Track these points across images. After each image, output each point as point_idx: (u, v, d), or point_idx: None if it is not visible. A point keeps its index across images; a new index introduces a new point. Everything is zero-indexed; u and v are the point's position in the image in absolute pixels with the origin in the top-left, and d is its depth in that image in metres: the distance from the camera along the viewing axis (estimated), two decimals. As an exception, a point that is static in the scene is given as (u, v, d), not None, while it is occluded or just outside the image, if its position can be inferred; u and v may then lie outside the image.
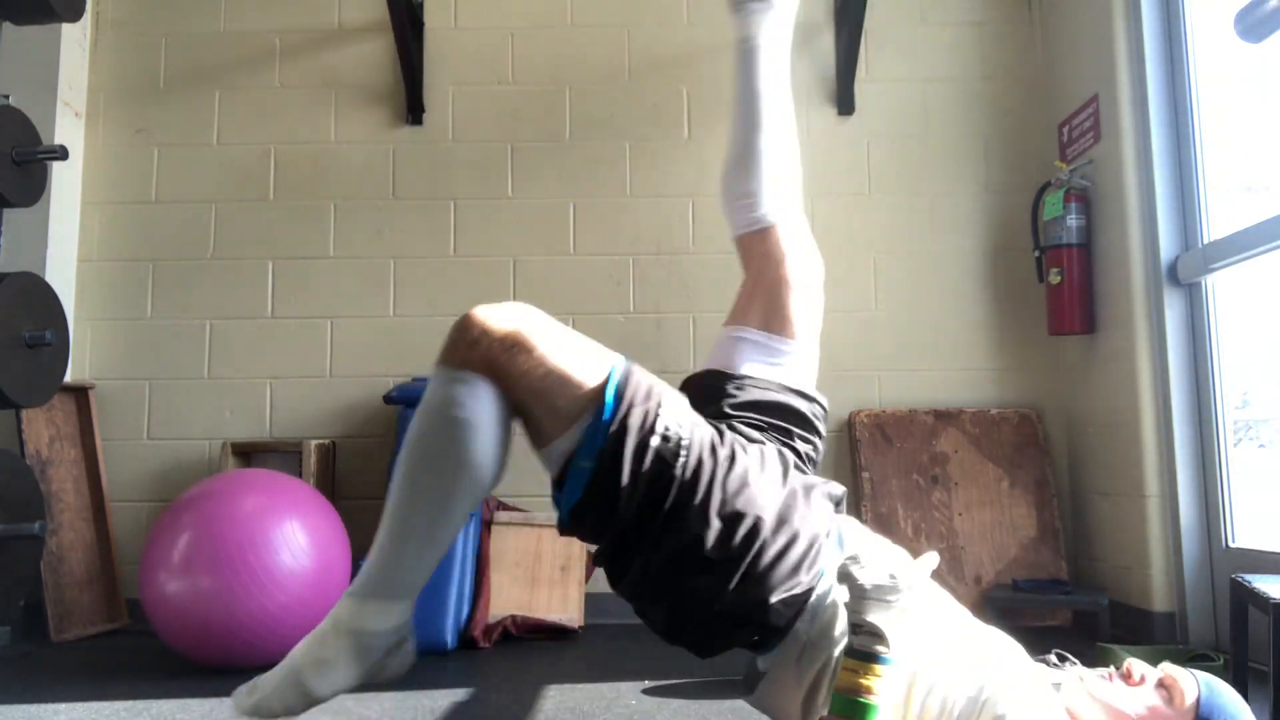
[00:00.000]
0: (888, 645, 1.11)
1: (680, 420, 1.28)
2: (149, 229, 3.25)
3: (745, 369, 1.51)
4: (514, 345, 1.24)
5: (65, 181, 3.15)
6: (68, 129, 3.15)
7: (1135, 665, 1.29)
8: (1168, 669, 1.27)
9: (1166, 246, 2.70)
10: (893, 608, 1.13)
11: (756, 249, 1.61)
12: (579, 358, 1.29)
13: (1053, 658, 1.34)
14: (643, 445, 1.23)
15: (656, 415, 1.25)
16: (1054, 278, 3.00)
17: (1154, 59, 2.77)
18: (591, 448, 1.23)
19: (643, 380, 1.29)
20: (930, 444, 3.12)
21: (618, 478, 1.21)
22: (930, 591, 1.29)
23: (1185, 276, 2.67)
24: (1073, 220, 2.97)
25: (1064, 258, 2.98)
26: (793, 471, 1.35)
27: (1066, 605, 2.85)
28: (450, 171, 3.28)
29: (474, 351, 1.24)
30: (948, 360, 3.22)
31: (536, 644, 2.72)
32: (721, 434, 1.32)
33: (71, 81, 3.19)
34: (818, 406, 1.54)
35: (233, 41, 3.33)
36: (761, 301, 1.56)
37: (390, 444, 3.03)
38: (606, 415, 1.23)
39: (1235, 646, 1.75)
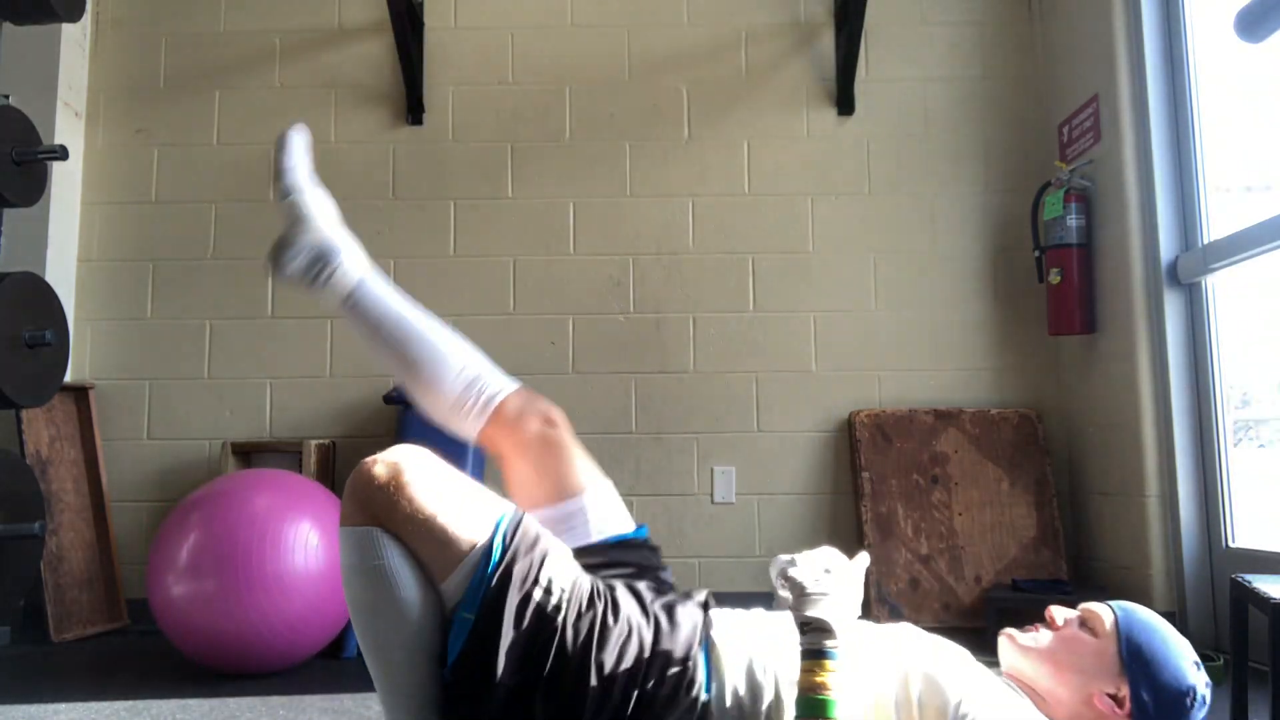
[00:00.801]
0: (834, 636, 1.13)
1: (563, 572, 1.27)
2: (149, 229, 3.25)
3: (569, 543, 1.49)
4: (395, 491, 1.24)
5: (65, 181, 3.15)
6: (68, 129, 3.15)
7: (1054, 610, 1.33)
8: (1084, 606, 1.31)
9: (1166, 246, 2.70)
10: (830, 599, 1.16)
11: (499, 435, 1.55)
12: (463, 501, 1.28)
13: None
14: (526, 598, 1.22)
15: (540, 566, 1.25)
16: (1054, 278, 3.00)
17: (1154, 59, 2.77)
18: (474, 598, 1.22)
19: (529, 530, 1.29)
20: (930, 444, 3.12)
21: (498, 630, 1.20)
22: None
23: (1185, 276, 2.67)
24: (1073, 220, 2.97)
25: (1064, 258, 2.98)
26: (650, 601, 1.33)
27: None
28: (450, 171, 3.28)
29: (364, 508, 1.27)
30: (948, 360, 3.22)
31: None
32: (597, 583, 1.31)
33: (71, 81, 3.19)
34: (643, 546, 1.51)
35: (233, 41, 3.33)
36: (535, 480, 1.51)
37: (390, 444, 3.02)
38: (492, 565, 1.23)
39: (1235, 646, 1.75)
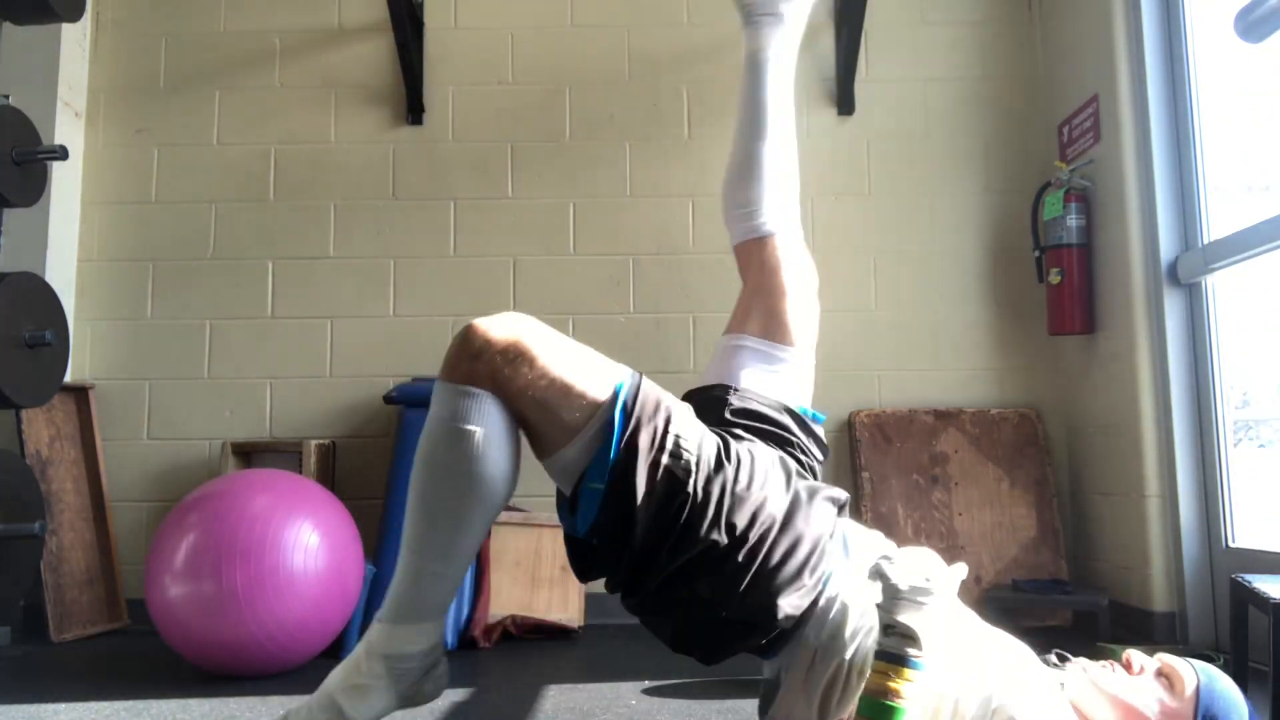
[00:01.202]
0: (921, 649, 1.09)
1: (689, 435, 1.27)
2: (149, 229, 3.25)
3: (745, 380, 1.51)
4: (516, 356, 1.23)
5: (65, 181, 3.15)
6: (68, 129, 3.15)
7: (1134, 656, 1.30)
8: (1165, 659, 1.28)
9: (1166, 246, 2.70)
10: (925, 610, 1.11)
11: (755, 257, 1.62)
12: (583, 368, 1.28)
13: (1053, 657, 1.34)
14: (654, 464, 1.22)
15: (665, 432, 1.25)
16: (1054, 278, 3.00)
17: (1154, 59, 2.77)
18: (602, 468, 1.22)
19: (650, 394, 1.29)
20: (930, 444, 3.12)
21: (631, 498, 1.21)
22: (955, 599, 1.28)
23: (1185, 276, 2.67)
24: (1073, 220, 2.97)
25: (1064, 258, 2.98)
26: (795, 477, 1.35)
27: (1066, 605, 2.85)
28: (450, 171, 3.28)
29: (476, 364, 1.25)
30: (948, 360, 3.22)
31: (536, 644, 2.72)
32: (727, 444, 1.31)
33: (71, 81, 3.19)
34: (815, 423, 1.53)
35: (233, 41, 3.33)
36: (760, 309, 1.57)
37: (390, 444, 3.03)
38: (616, 434, 1.23)
39: (1235, 646, 1.75)
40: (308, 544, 2.24)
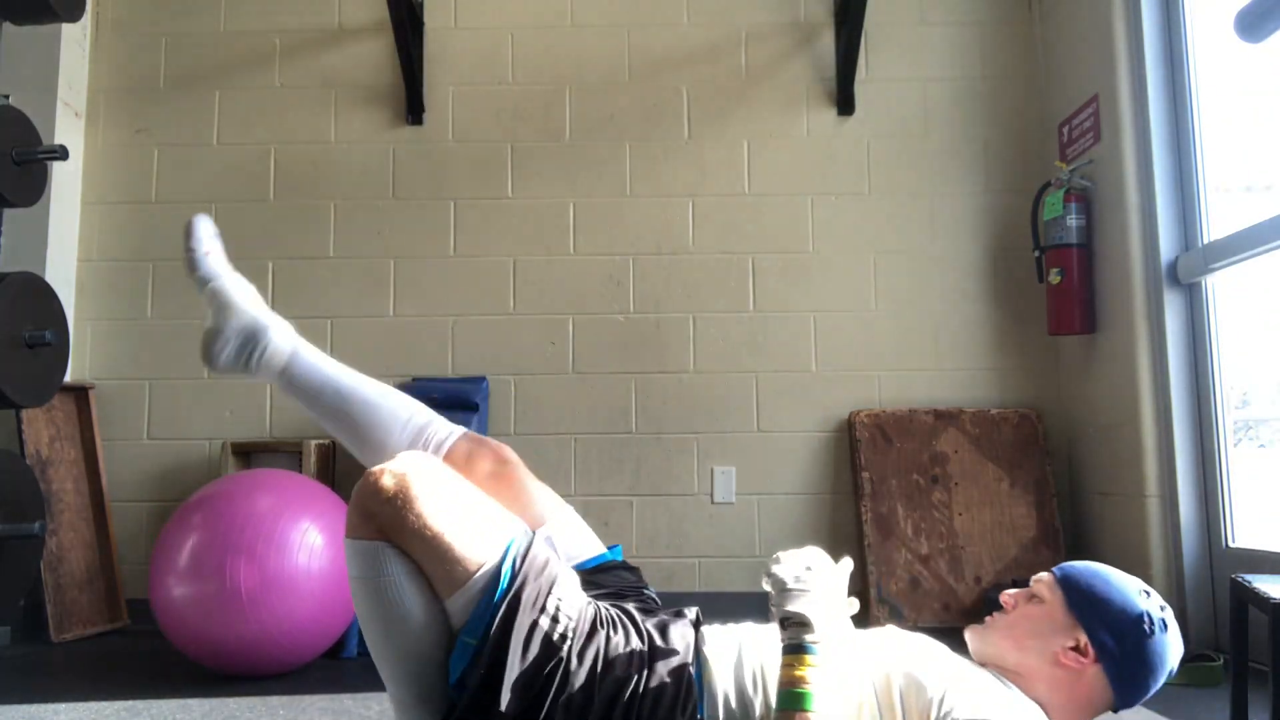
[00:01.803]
0: (814, 631, 1.14)
1: (571, 600, 1.28)
2: (149, 229, 3.25)
3: (575, 550, 1.49)
4: (402, 506, 1.23)
5: (65, 181, 3.15)
6: (68, 129, 3.15)
7: (1005, 594, 1.34)
8: (1032, 579, 1.33)
9: (1166, 246, 2.70)
10: (809, 596, 1.16)
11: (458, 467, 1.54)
12: (471, 521, 1.28)
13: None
14: (533, 626, 1.22)
15: (548, 594, 1.25)
16: (1054, 278, 3.00)
17: (1154, 59, 2.77)
18: (479, 623, 1.22)
19: (539, 554, 1.29)
20: (930, 444, 3.12)
21: (503, 656, 1.20)
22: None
23: (1185, 276, 2.67)
24: (1073, 220, 2.97)
25: (1064, 258, 2.98)
26: (643, 623, 1.33)
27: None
28: (450, 171, 3.28)
29: (370, 521, 1.26)
30: (948, 360, 3.22)
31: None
32: (599, 610, 1.31)
33: (71, 81, 3.19)
34: (620, 567, 1.52)
35: (233, 41, 3.33)
36: (520, 511, 1.52)
37: (390, 444, 3.02)
38: (501, 589, 1.23)
39: (1235, 646, 1.75)
40: (312, 545, 2.24)
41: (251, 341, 1.58)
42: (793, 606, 1.16)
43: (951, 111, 3.31)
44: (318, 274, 3.24)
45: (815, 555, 1.23)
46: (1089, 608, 1.25)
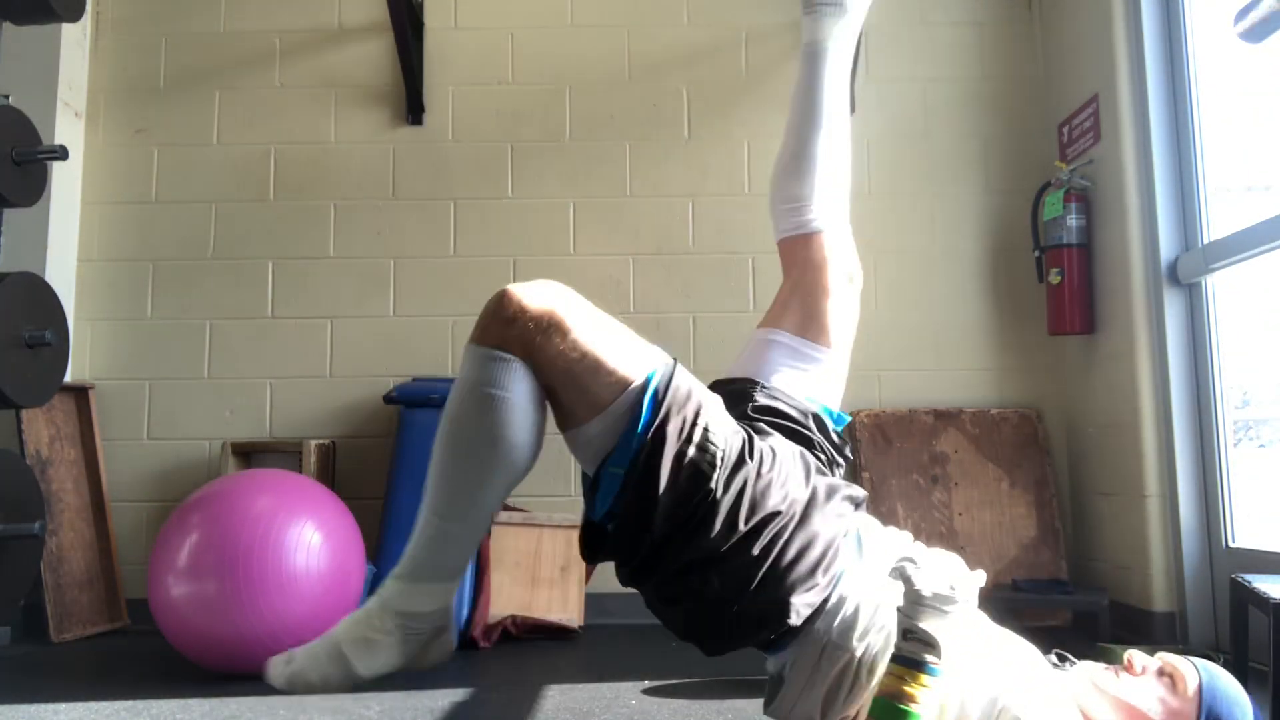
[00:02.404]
0: (939, 656, 1.09)
1: (717, 428, 1.27)
2: (149, 229, 3.25)
3: (775, 377, 1.49)
4: (549, 325, 1.22)
5: (65, 181, 3.15)
6: (68, 129, 3.15)
7: (1136, 656, 1.29)
8: (1166, 658, 1.28)
9: (1166, 246, 2.70)
10: (948, 618, 1.11)
11: (799, 254, 1.59)
12: (616, 345, 1.27)
13: (1053, 658, 1.34)
14: (680, 456, 1.22)
15: (694, 423, 1.24)
16: (1054, 278, 3.00)
17: (1154, 59, 2.77)
18: (625, 454, 1.22)
19: (682, 384, 1.28)
20: (930, 444, 3.12)
21: (654, 487, 1.20)
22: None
23: (1185, 276, 2.67)
24: (1073, 220, 2.97)
25: (1064, 258, 2.98)
26: (814, 474, 1.35)
27: (1066, 605, 2.85)
28: (450, 171, 3.28)
29: (509, 330, 1.23)
30: (948, 360, 3.22)
31: (536, 644, 2.72)
32: (751, 439, 1.31)
33: (71, 81, 3.19)
34: (837, 427, 1.53)
35: (233, 41, 3.33)
36: (799, 306, 1.55)
37: (390, 444, 3.03)
38: (644, 420, 1.22)
39: (1235, 646, 1.75)
40: (310, 544, 2.24)
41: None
42: (927, 624, 1.10)
43: (951, 111, 3.31)
44: (318, 274, 3.24)
45: (958, 569, 1.16)
46: None
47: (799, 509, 1.27)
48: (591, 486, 1.32)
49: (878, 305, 3.24)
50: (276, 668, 1.35)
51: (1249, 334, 2.68)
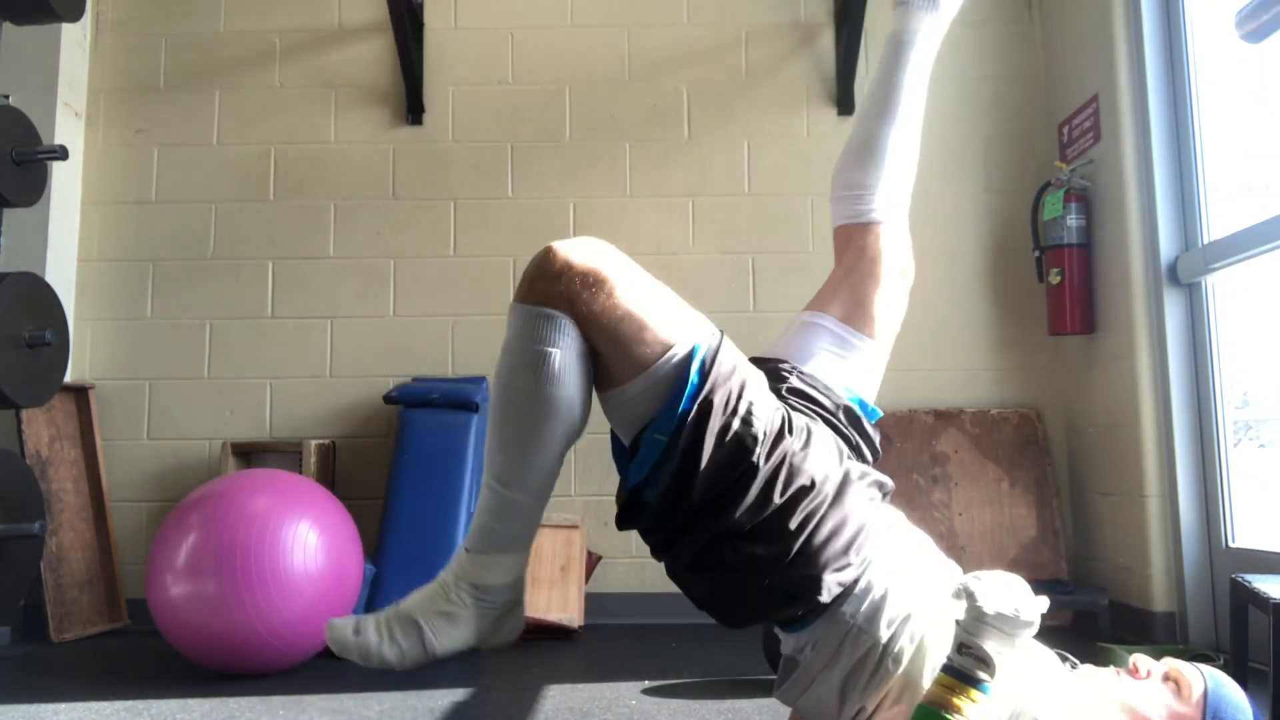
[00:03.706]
0: (992, 675, 1.08)
1: (761, 403, 1.27)
2: (149, 229, 3.25)
3: (813, 362, 1.49)
4: (595, 282, 1.21)
5: (65, 181, 3.15)
6: (68, 129, 3.15)
7: (1141, 660, 1.29)
8: (1172, 663, 1.27)
9: (1166, 246, 2.70)
10: (1010, 641, 1.10)
11: (855, 242, 1.57)
12: (660, 307, 1.26)
13: (1054, 658, 1.34)
14: (725, 428, 1.22)
15: (740, 397, 1.24)
16: (1054, 278, 3.00)
17: (1154, 59, 2.77)
18: (668, 422, 1.21)
19: (728, 357, 1.28)
20: (930, 444, 3.12)
21: (697, 457, 1.20)
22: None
23: (1185, 276, 2.67)
24: (1073, 220, 2.97)
25: (1064, 258, 2.98)
26: (846, 457, 1.35)
27: (1066, 605, 2.84)
28: (450, 171, 3.28)
29: (554, 286, 1.22)
30: (948, 360, 3.22)
31: (536, 644, 2.72)
32: (790, 415, 1.31)
33: (71, 81, 3.19)
34: (869, 419, 1.52)
35: (233, 41, 3.33)
36: (847, 293, 1.54)
37: (390, 444, 3.03)
38: (690, 389, 1.21)
39: (1235, 646, 1.75)
40: (306, 543, 2.25)
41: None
42: (986, 643, 1.09)
43: (951, 111, 3.31)
44: (318, 274, 3.24)
45: (1023, 593, 1.15)
46: None
47: (833, 487, 1.27)
48: (627, 452, 1.31)
49: (878, 305, 3.24)
50: (343, 636, 1.29)
51: (1249, 334, 2.68)
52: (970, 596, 1.12)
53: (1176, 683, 1.24)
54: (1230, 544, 2.55)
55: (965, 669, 1.08)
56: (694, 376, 1.22)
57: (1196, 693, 1.23)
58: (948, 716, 1.06)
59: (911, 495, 3.07)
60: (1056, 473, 3.13)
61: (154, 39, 3.33)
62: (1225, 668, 2.13)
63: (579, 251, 1.24)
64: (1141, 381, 2.73)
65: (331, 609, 2.31)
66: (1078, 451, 3.13)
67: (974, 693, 1.07)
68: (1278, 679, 1.57)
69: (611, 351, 1.24)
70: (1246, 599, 1.69)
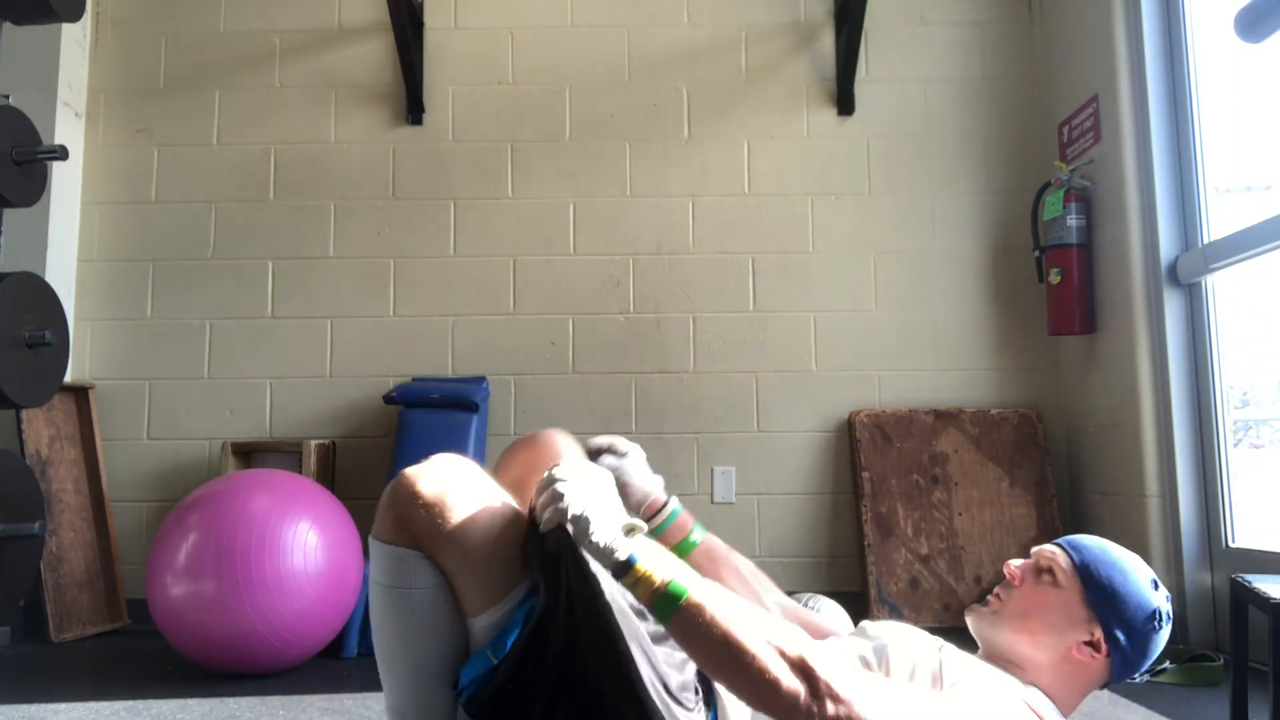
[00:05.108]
0: (622, 556, 1.07)
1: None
2: (149, 229, 3.25)
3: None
4: (440, 516, 1.19)
5: (65, 181, 3.15)
6: (68, 129, 3.15)
7: (1011, 565, 1.30)
8: (1035, 550, 1.28)
9: (1166, 246, 2.70)
10: (570, 484, 1.11)
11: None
12: (508, 537, 1.22)
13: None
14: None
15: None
16: (1054, 278, 3.00)
17: (1154, 59, 2.77)
18: (501, 646, 1.19)
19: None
20: (930, 444, 3.12)
21: (527, 678, 1.18)
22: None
23: (1185, 276, 2.67)
24: (1073, 220, 2.97)
25: (1064, 258, 2.98)
26: (658, 667, 1.32)
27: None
28: (450, 171, 3.28)
29: (403, 528, 1.20)
30: (948, 360, 3.22)
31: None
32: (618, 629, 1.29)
33: (71, 81, 3.19)
34: None
35: (233, 41, 3.33)
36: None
37: (390, 444, 3.03)
38: (526, 617, 1.19)
39: (1235, 646, 1.75)
40: (306, 543, 2.24)
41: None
42: (572, 509, 1.07)
43: (951, 111, 3.31)
44: (318, 274, 3.24)
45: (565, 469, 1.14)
46: (1109, 602, 1.20)
47: (661, 682, 1.24)
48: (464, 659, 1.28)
49: (878, 305, 3.24)
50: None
51: (1249, 334, 2.68)
52: (575, 521, 1.10)
53: (1049, 571, 1.25)
54: (1230, 544, 2.55)
55: (611, 563, 1.07)
56: (534, 598, 1.19)
57: (1066, 568, 1.23)
58: (663, 590, 1.04)
59: (911, 495, 3.07)
60: (1056, 473, 3.13)
61: (154, 39, 3.33)
62: (1225, 668, 2.14)
63: (426, 480, 1.21)
64: (1141, 381, 2.73)
65: (331, 608, 2.31)
66: (1077, 451, 3.13)
67: (638, 566, 1.05)
68: (1278, 679, 1.57)
69: (462, 583, 1.21)
70: (1246, 599, 1.69)
